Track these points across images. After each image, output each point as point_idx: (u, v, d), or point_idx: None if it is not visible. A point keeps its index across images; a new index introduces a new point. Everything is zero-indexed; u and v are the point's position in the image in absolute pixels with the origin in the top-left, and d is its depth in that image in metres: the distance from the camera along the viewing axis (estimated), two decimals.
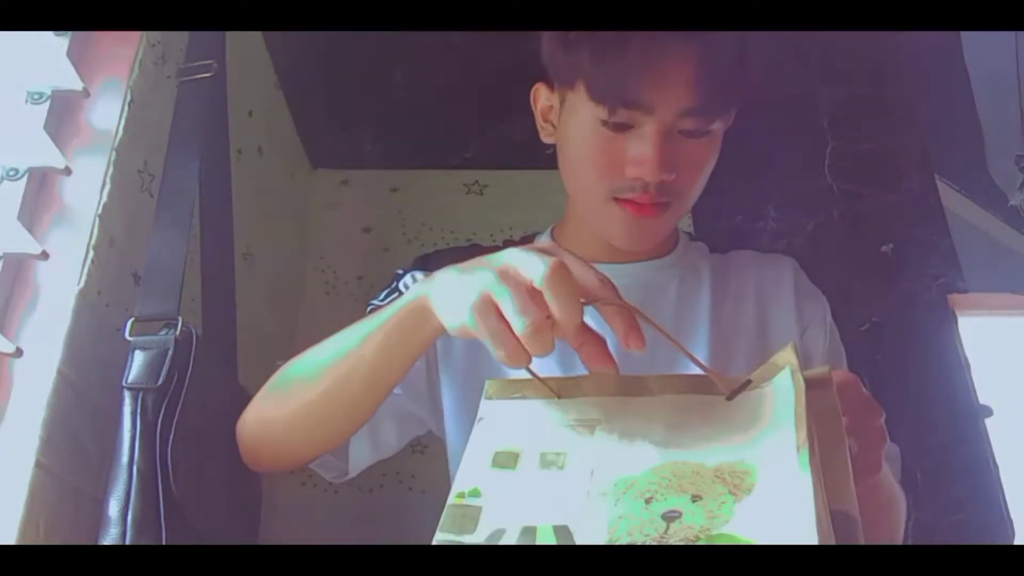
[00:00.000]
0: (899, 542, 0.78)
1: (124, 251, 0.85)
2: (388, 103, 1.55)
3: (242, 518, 0.83)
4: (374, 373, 0.69)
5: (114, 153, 0.84)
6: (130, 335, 0.77)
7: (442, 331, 0.63)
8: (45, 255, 0.77)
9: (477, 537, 0.53)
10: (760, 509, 0.48)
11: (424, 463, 1.34)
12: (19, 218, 0.78)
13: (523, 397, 0.61)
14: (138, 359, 0.75)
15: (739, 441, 0.53)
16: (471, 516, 0.54)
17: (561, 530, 0.51)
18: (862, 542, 0.52)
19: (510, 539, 0.52)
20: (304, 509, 1.34)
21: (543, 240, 0.93)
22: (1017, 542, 1.27)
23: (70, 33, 0.85)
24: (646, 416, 0.58)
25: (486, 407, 0.62)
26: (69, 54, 0.84)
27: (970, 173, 1.69)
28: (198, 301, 0.94)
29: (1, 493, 0.69)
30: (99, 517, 0.71)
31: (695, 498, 0.50)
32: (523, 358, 0.55)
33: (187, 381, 0.75)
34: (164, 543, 0.70)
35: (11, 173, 0.79)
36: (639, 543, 0.49)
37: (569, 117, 0.80)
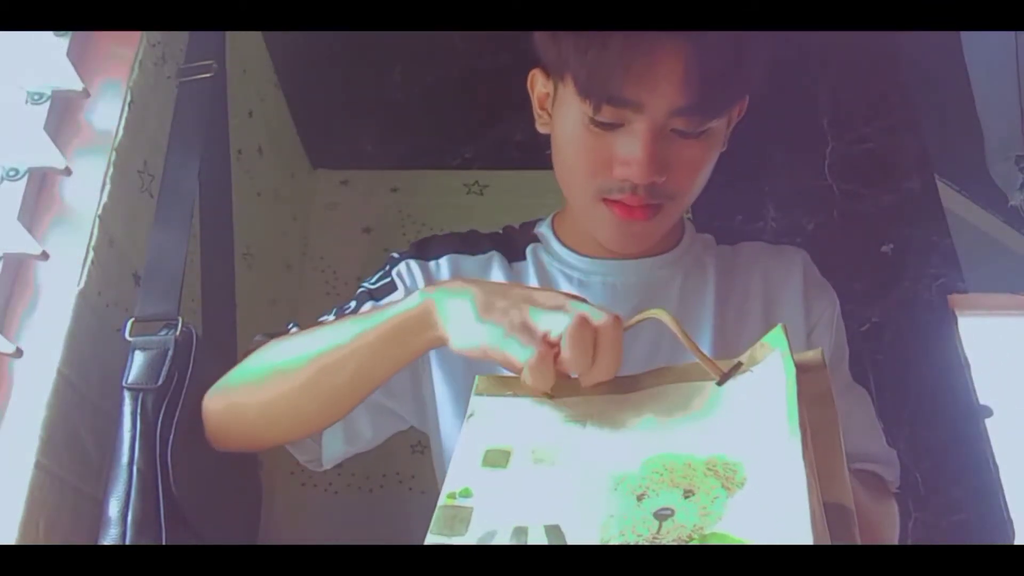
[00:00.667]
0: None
1: (124, 251, 0.85)
2: (388, 103, 1.55)
3: (242, 518, 0.83)
4: (362, 371, 0.67)
5: (114, 153, 0.84)
6: (130, 335, 0.77)
7: (439, 344, 0.63)
8: (45, 255, 0.77)
9: (468, 539, 0.53)
10: (753, 505, 0.47)
11: (424, 463, 1.33)
12: (19, 218, 0.77)
13: (514, 395, 0.61)
14: (138, 359, 0.75)
15: (730, 431, 0.52)
16: (462, 517, 0.54)
17: (552, 530, 0.51)
18: (857, 534, 0.52)
19: (502, 540, 0.52)
20: (304, 509, 1.34)
21: (542, 229, 0.91)
22: (1017, 542, 1.27)
23: (70, 33, 0.85)
24: (637, 409, 0.57)
25: (476, 402, 0.61)
26: (69, 54, 0.84)
27: (970, 173, 1.69)
28: (198, 301, 0.94)
29: (1, 493, 0.69)
30: (99, 517, 0.71)
31: (687, 493, 0.49)
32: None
33: (187, 381, 0.75)
34: (164, 543, 0.70)
35: (11, 173, 0.79)
36: (631, 543, 0.48)
37: (560, 110, 0.77)
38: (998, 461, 1.32)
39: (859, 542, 0.52)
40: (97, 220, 0.81)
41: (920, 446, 1.30)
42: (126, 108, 0.86)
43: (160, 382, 0.74)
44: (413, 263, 0.86)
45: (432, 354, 0.82)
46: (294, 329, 0.81)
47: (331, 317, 0.82)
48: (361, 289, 0.85)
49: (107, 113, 0.86)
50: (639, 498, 0.50)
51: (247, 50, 1.25)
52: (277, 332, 0.80)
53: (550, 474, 0.55)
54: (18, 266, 0.78)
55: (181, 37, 0.97)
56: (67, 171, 0.81)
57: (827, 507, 0.50)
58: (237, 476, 0.81)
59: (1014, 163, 1.65)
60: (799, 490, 0.45)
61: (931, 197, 1.51)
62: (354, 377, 0.68)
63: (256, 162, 1.28)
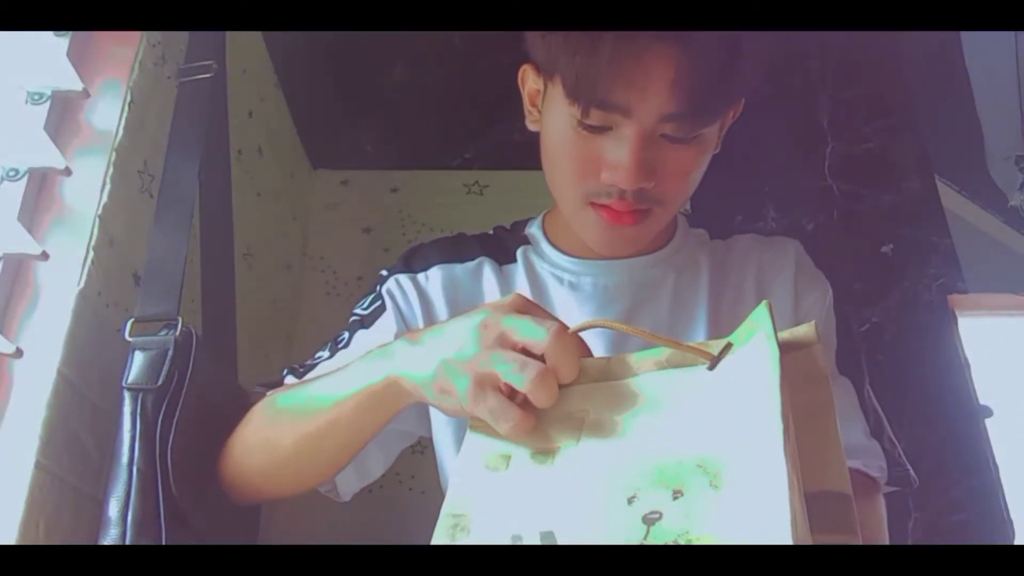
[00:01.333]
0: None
1: (124, 251, 0.85)
2: (388, 103, 1.55)
3: (242, 518, 0.83)
4: (348, 435, 0.69)
5: (114, 153, 0.84)
6: (130, 335, 0.77)
7: (416, 400, 0.63)
8: (45, 255, 0.77)
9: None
10: (736, 505, 0.47)
11: (424, 463, 1.32)
12: (19, 218, 0.78)
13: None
14: (138, 359, 0.75)
15: (717, 425, 0.51)
16: (462, 527, 0.54)
17: (547, 537, 0.51)
18: (856, 522, 0.51)
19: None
20: (304, 509, 1.34)
21: (533, 230, 0.90)
22: (1017, 542, 1.27)
23: (70, 33, 0.85)
24: (630, 402, 0.57)
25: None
26: (69, 54, 0.84)
27: (970, 173, 1.69)
28: (198, 301, 0.94)
29: (1, 493, 0.69)
30: (99, 517, 0.71)
31: (676, 494, 0.49)
32: (530, 422, 0.56)
33: (187, 381, 0.75)
34: (164, 543, 0.70)
35: (11, 173, 0.79)
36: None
37: (549, 110, 0.76)
38: (998, 461, 1.32)
39: (859, 531, 0.52)
40: (97, 220, 0.81)
41: (920, 446, 1.30)
42: (126, 108, 0.86)
43: (160, 382, 0.74)
44: (403, 277, 0.86)
45: None
46: (289, 378, 0.82)
47: (326, 353, 0.83)
48: (354, 317, 0.85)
49: (107, 113, 0.86)
50: (629, 501, 0.50)
51: (247, 50, 1.25)
52: (273, 382, 0.82)
53: (548, 476, 0.55)
54: (18, 266, 0.78)
55: (181, 37, 0.97)
56: (67, 171, 0.81)
57: (823, 496, 0.49)
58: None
59: (1014, 163, 1.65)
60: (780, 491, 0.44)
61: (931, 197, 1.51)
62: (341, 442, 0.69)
63: (256, 162, 1.28)
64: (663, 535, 0.47)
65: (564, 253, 0.86)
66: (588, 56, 0.68)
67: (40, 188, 0.81)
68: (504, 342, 0.57)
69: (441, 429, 0.83)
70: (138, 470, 0.71)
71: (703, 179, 0.80)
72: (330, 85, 1.52)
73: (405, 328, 0.82)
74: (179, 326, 0.77)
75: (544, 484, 0.54)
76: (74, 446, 0.76)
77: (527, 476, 0.55)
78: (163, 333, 0.77)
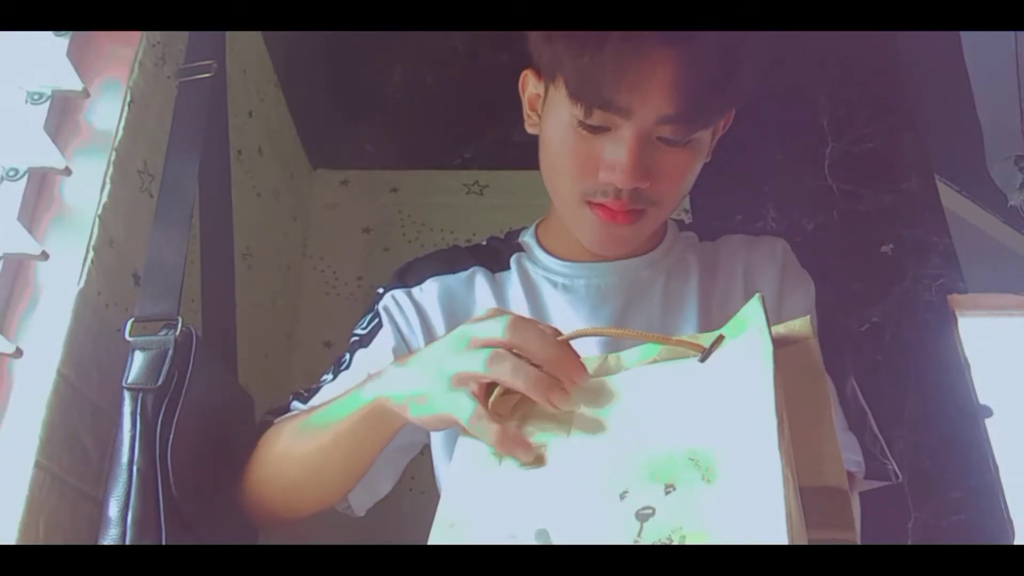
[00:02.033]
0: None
1: (124, 251, 0.85)
2: (388, 103, 1.55)
3: (242, 518, 0.83)
4: (349, 460, 0.72)
5: (114, 153, 0.84)
6: (130, 335, 0.77)
7: (408, 421, 0.66)
8: (45, 255, 0.77)
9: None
10: (730, 501, 0.46)
11: (424, 464, 1.32)
12: (19, 218, 0.77)
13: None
14: (138, 359, 0.75)
15: (709, 419, 0.51)
16: (458, 527, 0.54)
17: (541, 535, 0.51)
18: (854, 516, 0.51)
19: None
20: None
21: (526, 238, 0.92)
22: (1017, 542, 1.27)
23: (70, 33, 0.85)
24: (619, 396, 0.57)
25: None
26: (69, 54, 0.84)
27: (970, 173, 1.69)
28: (198, 301, 0.94)
29: (1, 493, 0.69)
30: (99, 517, 0.71)
31: (668, 488, 0.49)
32: (521, 444, 0.57)
33: (187, 381, 0.75)
34: (164, 543, 0.70)
35: (11, 173, 0.79)
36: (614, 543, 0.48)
37: (550, 112, 0.78)
38: (998, 461, 1.32)
39: (857, 525, 0.52)
40: (97, 220, 0.81)
41: (920, 446, 1.30)
42: (126, 108, 0.86)
43: (160, 382, 0.74)
44: (398, 293, 0.87)
45: None
46: (295, 404, 0.84)
47: (329, 376, 0.85)
48: (353, 338, 0.87)
49: (107, 113, 0.86)
50: (621, 496, 0.50)
51: (247, 50, 1.25)
52: (280, 409, 0.84)
53: (540, 474, 0.55)
54: (18, 266, 0.78)
55: (181, 37, 0.97)
56: (67, 171, 0.81)
57: (820, 491, 0.49)
58: (237, 476, 0.81)
59: (1014, 163, 1.65)
60: (774, 486, 0.44)
61: (931, 197, 1.51)
62: (344, 466, 0.73)
63: (256, 162, 1.28)
64: (657, 531, 0.47)
65: (557, 258, 0.88)
66: (594, 58, 0.70)
67: (40, 188, 0.81)
68: (471, 344, 0.61)
69: (436, 434, 0.85)
70: (138, 470, 0.71)
71: (703, 179, 0.81)
72: (330, 85, 1.52)
73: (403, 342, 0.84)
74: (179, 326, 0.77)
75: (537, 482, 0.54)
76: (74, 446, 0.76)
77: (520, 475, 0.55)
78: (163, 333, 0.77)
